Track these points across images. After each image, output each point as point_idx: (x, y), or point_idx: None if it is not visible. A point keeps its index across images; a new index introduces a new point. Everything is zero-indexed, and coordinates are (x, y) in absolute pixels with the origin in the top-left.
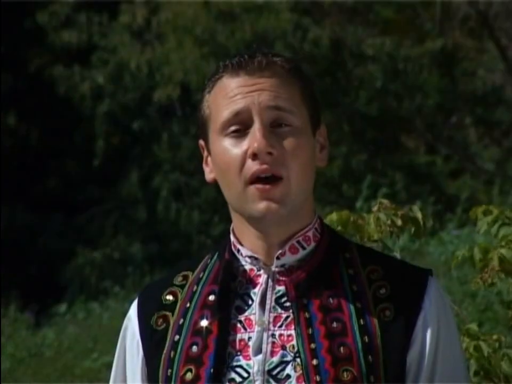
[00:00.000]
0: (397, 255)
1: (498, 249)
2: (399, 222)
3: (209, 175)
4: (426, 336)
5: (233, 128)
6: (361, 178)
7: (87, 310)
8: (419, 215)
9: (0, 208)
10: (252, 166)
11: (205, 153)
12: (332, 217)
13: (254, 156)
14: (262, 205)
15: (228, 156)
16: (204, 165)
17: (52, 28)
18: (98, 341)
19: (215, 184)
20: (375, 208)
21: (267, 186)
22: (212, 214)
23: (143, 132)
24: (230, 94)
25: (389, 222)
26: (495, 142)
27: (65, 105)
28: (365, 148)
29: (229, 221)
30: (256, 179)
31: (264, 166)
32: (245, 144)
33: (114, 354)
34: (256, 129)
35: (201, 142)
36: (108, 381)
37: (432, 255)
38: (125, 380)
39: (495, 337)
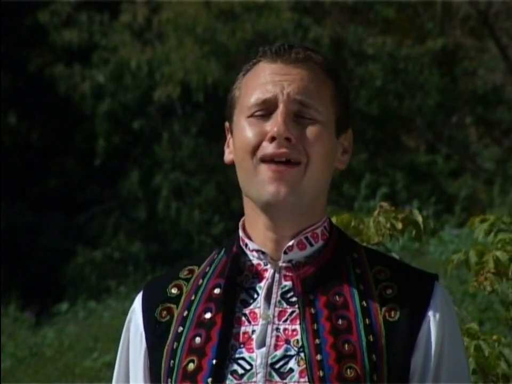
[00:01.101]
0: (395, 255)
1: (493, 251)
2: (400, 226)
3: (228, 156)
4: (431, 341)
5: (258, 112)
6: (362, 178)
7: (87, 310)
8: (419, 219)
9: (0, 208)
10: (268, 148)
11: (228, 136)
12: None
13: (272, 139)
14: (271, 187)
15: (246, 134)
16: (225, 147)
17: (53, 27)
18: (99, 341)
19: (215, 184)
20: (375, 212)
21: (281, 167)
22: (213, 213)
23: (143, 131)
24: (262, 80)
25: (388, 225)
26: (496, 141)
27: (66, 105)
28: (365, 147)
29: (229, 220)
30: (270, 161)
31: (282, 150)
32: (265, 126)
33: (115, 354)
34: (278, 114)
35: (227, 124)
36: (109, 380)
37: (432, 255)
38: (128, 371)
39: (495, 337)
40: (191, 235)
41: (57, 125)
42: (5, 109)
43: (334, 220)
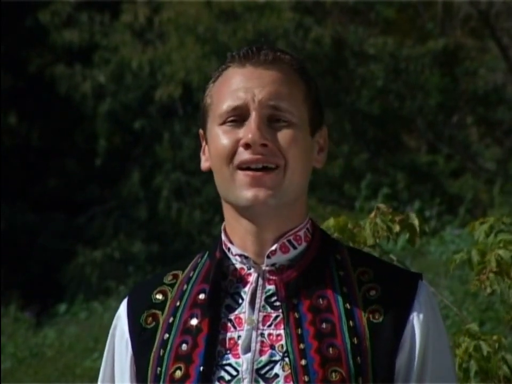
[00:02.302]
0: (393, 257)
1: (495, 250)
2: (396, 228)
3: (204, 163)
4: (415, 341)
5: (230, 118)
6: (363, 178)
7: (87, 310)
8: (416, 222)
9: (0, 208)
10: (244, 154)
11: (204, 143)
12: (329, 223)
13: (247, 146)
14: (249, 193)
15: (221, 142)
16: (201, 154)
17: (54, 27)
18: (99, 341)
19: (215, 184)
20: (372, 214)
21: (258, 173)
22: (213, 213)
23: (144, 131)
24: (233, 87)
25: (385, 227)
26: (497, 141)
27: (67, 105)
28: (367, 147)
29: None
30: (246, 168)
31: (258, 156)
32: (239, 133)
33: None
34: (252, 121)
35: (201, 132)
36: None
37: (433, 255)
38: (113, 379)
39: (495, 337)
40: (192, 235)
41: (58, 125)
42: (5, 109)
43: (331, 222)
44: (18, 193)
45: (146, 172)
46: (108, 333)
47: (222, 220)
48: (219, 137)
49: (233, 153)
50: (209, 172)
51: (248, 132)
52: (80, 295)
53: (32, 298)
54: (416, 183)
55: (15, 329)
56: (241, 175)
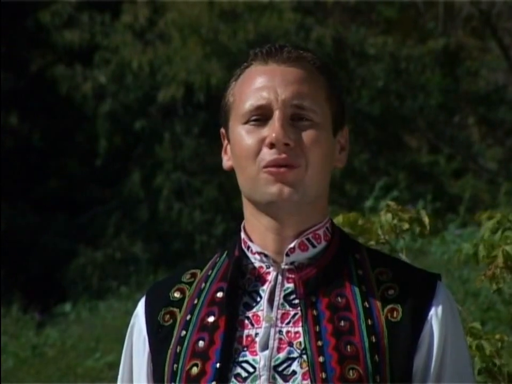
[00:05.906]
0: (402, 255)
1: (503, 246)
2: (406, 226)
3: (226, 162)
4: (433, 340)
5: (253, 118)
6: (364, 178)
7: (89, 310)
8: (426, 219)
9: (1, 208)
10: (268, 155)
11: (225, 142)
12: (338, 220)
13: (271, 146)
14: (274, 188)
15: (245, 141)
16: (222, 153)
17: (54, 28)
18: (101, 341)
19: (216, 184)
20: (382, 212)
21: (281, 169)
22: (214, 213)
23: (145, 131)
24: (256, 85)
25: (395, 222)
26: (498, 141)
27: (67, 105)
28: (367, 147)
29: (231, 220)
30: (271, 166)
31: (282, 156)
32: (263, 132)
33: (117, 354)
34: (275, 120)
35: (222, 131)
36: (111, 380)
37: (434, 255)
38: (131, 377)
39: (497, 336)
40: (193, 235)
41: (59, 125)
42: (7, 110)
43: (340, 218)
44: (19, 194)
45: (146, 172)
46: (109, 332)
47: (223, 220)
48: (243, 137)
49: (257, 152)
50: (210, 173)
51: (272, 131)
52: (81, 295)
53: (34, 299)
54: (417, 183)
55: (17, 329)
56: (266, 173)
